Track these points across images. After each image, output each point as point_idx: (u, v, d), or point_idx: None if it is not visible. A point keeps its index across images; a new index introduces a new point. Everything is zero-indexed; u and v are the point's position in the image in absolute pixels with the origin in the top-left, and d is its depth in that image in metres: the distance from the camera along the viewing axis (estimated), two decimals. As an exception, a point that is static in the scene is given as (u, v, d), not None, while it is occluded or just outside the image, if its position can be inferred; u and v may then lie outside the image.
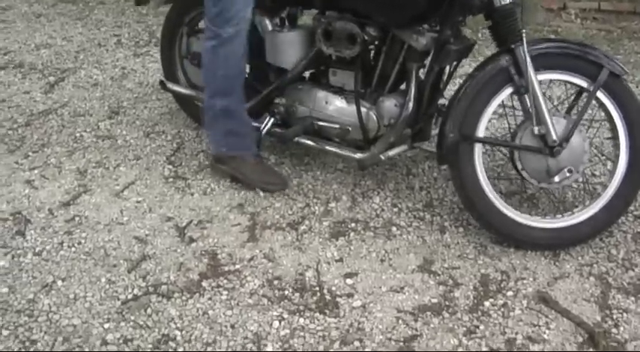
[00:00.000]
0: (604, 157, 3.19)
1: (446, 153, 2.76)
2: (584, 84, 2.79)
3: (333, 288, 2.64)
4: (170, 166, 3.49)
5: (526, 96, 2.75)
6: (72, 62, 4.83)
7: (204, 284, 2.67)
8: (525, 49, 2.69)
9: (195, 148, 3.64)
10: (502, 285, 2.64)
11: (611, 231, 2.90)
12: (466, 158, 2.76)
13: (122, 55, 4.90)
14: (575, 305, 2.53)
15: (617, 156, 2.84)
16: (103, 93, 4.33)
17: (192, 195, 3.25)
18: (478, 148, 2.78)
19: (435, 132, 3.06)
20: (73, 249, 2.91)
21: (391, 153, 3.03)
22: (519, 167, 2.79)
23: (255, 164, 3.29)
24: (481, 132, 2.78)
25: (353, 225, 3.01)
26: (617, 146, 2.85)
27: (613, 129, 2.85)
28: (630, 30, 5.02)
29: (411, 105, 2.93)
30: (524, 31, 2.70)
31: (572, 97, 2.95)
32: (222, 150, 3.29)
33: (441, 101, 3.09)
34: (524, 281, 2.66)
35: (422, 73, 3.01)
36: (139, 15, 5.57)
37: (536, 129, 2.71)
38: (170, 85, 3.69)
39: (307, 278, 2.69)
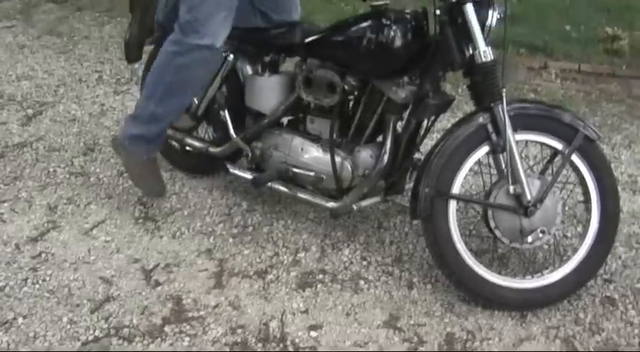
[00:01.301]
0: (576, 220, 3.19)
1: (420, 208, 2.74)
2: (559, 146, 2.80)
3: (297, 340, 2.61)
4: (141, 207, 3.46)
5: (502, 155, 2.76)
6: (52, 96, 4.79)
7: (166, 329, 2.64)
8: (504, 109, 2.69)
9: (168, 190, 3.59)
10: (467, 345, 2.62)
11: (580, 294, 2.88)
12: (440, 214, 2.74)
13: (102, 91, 4.87)
14: (540, 369, 2.52)
15: (588, 220, 2.85)
16: (80, 129, 4.29)
17: (161, 237, 3.22)
18: (453, 205, 2.77)
19: (409, 186, 3.06)
20: (37, 286, 2.88)
21: (363, 203, 3.01)
22: (492, 225, 2.78)
23: (143, 165, 3.34)
24: (456, 188, 2.77)
25: (321, 276, 2.98)
26: (588, 210, 2.86)
27: (585, 192, 2.86)
28: (609, 92, 5.05)
29: (386, 157, 2.93)
30: (504, 89, 2.71)
31: (547, 159, 2.96)
32: (125, 144, 3.31)
33: (417, 155, 3.09)
34: (490, 342, 2.64)
35: (399, 125, 3.01)
36: (122, 52, 5.53)
37: (511, 189, 2.71)
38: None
39: (271, 329, 2.66)
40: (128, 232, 3.25)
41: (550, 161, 2.94)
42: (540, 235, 2.76)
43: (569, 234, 3.27)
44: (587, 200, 2.87)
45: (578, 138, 2.77)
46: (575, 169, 2.85)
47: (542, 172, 2.93)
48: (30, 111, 4.53)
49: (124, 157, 3.35)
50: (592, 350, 2.61)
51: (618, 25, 5.77)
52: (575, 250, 2.86)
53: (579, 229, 3.02)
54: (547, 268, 2.88)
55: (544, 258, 3.08)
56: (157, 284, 2.89)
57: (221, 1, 2.96)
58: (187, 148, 3.56)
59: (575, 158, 2.81)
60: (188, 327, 2.65)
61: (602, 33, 5.72)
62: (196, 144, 3.48)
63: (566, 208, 3.19)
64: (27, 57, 5.55)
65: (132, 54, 3.54)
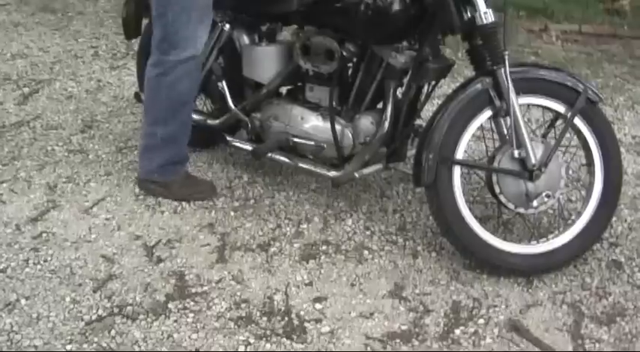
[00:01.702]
0: (580, 183, 3.15)
1: (424, 175, 2.70)
2: (561, 109, 2.77)
3: (302, 313, 2.58)
4: (141, 183, 3.41)
5: (502, 119, 2.73)
6: (47, 73, 4.74)
7: (170, 305, 2.60)
8: (507, 72, 2.65)
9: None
10: (474, 313, 2.60)
11: (586, 258, 2.87)
12: (444, 180, 2.70)
13: (98, 67, 4.82)
14: (547, 335, 2.50)
15: (592, 183, 2.84)
16: (77, 107, 4.25)
17: (162, 213, 3.18)
18: (457, 171, 2.73)
19: (411, 152, 3.03)
20: (39, 266, 2.83)
21: (365, 171, 2.98)
22: (497, 191, 2.74)
23: (182, 183, 3.27)
24: (460, 154, 2.73)
25: (324, 247, 2.95)
26: (591, 173, 2.84)
27: (588, 155, 2.84)
28: (610, 53, 5.02)
29: (387, 123, 2.88)
30: (506, 52, 2.66)
31: (549, 122, 2.93)
32: (154, 177, 3.26)
33: (418, 122, 3.05)
34: (496, 309, 2.62)
35: (399, 91, 2.97)
36: (117, 27, 5.44)
37: (516, 153, 2.68)
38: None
39: (275, 302, 2.63)
40: (129, 209, 3.21)
41: (552, 124, 2.91)
42: (546, 199, 2.73)
43: (572, 198, 3.24)
44: (589, 163, 2.85)
45: (580, 101, 2.73)
46: (578, 132, 2.82)
47: (544, 136, 2.90)
48: (26, 90, 4.49)
49: (162, 190, 3.26)
50: (599, 314, 2.59)
51: (619, -15, 5.72)
52: (579, 214, 2.84)
53: (583, 193, 2.98)
54: (552, 232, 2.86)
55: (548, 222, 3.06)
56: (160, 260, 2.86)
57: (194, 14, 2.92)
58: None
59: (577, 121, 2.77)
60: (192, 303, 2.62)
61: (602, -7, 5.68)
62: (194, 116, 3.42)
63: (570, 172, 3.15)
64: (21, 35, 5.50)
65: (130, 31, 3.51)
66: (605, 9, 5.51)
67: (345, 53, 2.91)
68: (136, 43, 4.85)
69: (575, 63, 4.81)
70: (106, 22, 5.66)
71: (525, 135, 2.67)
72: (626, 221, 3.13)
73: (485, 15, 2.64)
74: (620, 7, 5.45)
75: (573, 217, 2.87)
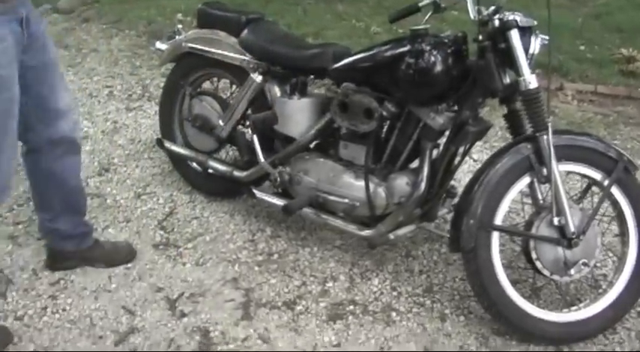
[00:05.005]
0: (610, 252, 3.10)
1: (463, 241, 2.65)
2: (598, 177, 2.73)
3: (332, 377, 2.52)
4: (161, 232, 3.35)
5: (539, 185, 2.69)
6: (62, 111, 4.67)
7: (196, 363, 2.53)
8: (550, 139, 2.61)
9: (189, 214, 3.50)
10: (505, 380, 2.54)
11: (615, 327, 2.80)
12: (483, 246, 2.65)
13: (114, 107, 4.76)
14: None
15: (625, 253, 2.79)
16: (94, 148, 4.19)
17: (184, 264, 3.11)
18: (496, 237, 2.68)
19: (441, 212, 2.99)
20: (57, 315, 2.78)
21: (400, 232, 2.92)
22: (534, 257, 2.68)
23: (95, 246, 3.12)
24: (499, 220, 2.68)
25: (351, 307, 2.88)
26: (625, 243, 2.80)
27: (622, 224, 2.80)
28: (626, 115, 4.99)
29: (423, 184, 2.82)
30: (549, 119, 2.63)
31: (583, 189, 2.90)
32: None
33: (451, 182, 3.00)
34: (527, 378, 2.56)
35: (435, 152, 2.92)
36: (132, 67, 5.45)
37: (555, 220, 2.63)
38: (168, 144, 3.58)
39: (304, 364, 2.56)
40: (149, 259, 3.14)
41: (586, 191, 2.88)
42: (582, 268, 2.68)
43: (598, 265, 3.19)
44: (623, 232, 2.80)
45: (618, 170, 2.70)
46: (614, 201, 2.78)
47: (578, 202, 2.86)
48: (41, 128, 4.41)
49: (77, 259, 3.10)
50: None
51: (632, 46, 5.71)
52: (611, 284, 2.79)
53: (612, 262, 2.93)
54: (582, 301, 2.81)
55: (575, 289, 2.99)
56: (183, 315, 2.79)
57: None
58: (209, 171, 3.46)
59: (614, 189, 2.73)
60: (219, 362, 2.55)
61: (616, 54, 5.66)
62: (220, 167, 3.39)
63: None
64: (35, 70, 5.43)
65: None
66: (620, 70, 5.49)
67: (384, 113, 2.85)
68: (151, 85, 4.85)
69: (593, 124, 4.78)
70: (121, 62, 5.61)
71: (565, 203, 2.63)
72: (653, 290, 3.07)
73: (530, 81, 2.61)
74: (635, 69, 5.43)
75: (605, 286, 2.83)
